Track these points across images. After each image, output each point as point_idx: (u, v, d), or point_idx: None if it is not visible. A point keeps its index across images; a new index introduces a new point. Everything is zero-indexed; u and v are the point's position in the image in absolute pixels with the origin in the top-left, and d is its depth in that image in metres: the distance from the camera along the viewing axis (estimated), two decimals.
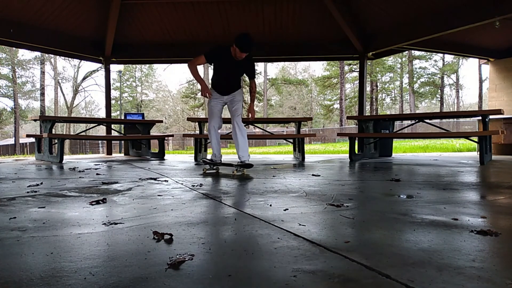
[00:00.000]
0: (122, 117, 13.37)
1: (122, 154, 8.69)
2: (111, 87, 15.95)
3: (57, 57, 30.11)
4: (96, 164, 5.42)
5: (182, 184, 3.18)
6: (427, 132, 8.67)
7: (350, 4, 7.48)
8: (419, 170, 4.36)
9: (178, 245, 1.41)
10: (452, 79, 37.83)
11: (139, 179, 3.54)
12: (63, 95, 36.59)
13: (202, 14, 7.93)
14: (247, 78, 4.38)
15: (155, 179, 3.53)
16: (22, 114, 31.64)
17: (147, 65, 40.03)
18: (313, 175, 3.81)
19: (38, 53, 29.19)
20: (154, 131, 19.78)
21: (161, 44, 8.56)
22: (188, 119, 6.98)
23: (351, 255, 1.27)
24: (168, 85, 68.76)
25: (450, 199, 2.35)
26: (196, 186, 3.04)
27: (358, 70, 9.81)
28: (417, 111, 37.17)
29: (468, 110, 33.60)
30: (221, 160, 4.29)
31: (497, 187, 2.98)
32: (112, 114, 22.70)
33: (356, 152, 6.19)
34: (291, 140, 7.20)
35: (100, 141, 25.01)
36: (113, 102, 32.30)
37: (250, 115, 4.28)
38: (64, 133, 33.25)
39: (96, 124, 7.67)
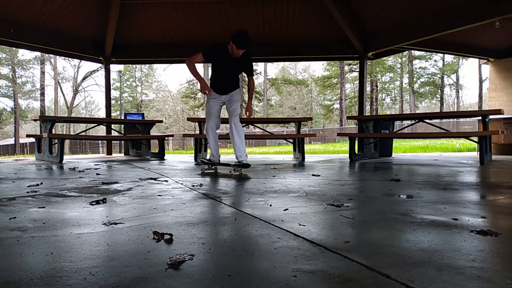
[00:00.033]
0: (122, 117, 13.38)
1: (122, 154, 8.69)
2: (111, 87, 15.95)
3: (57, 57, 30.13)
4: (96, 164, 5.42)
5: (182, 184, 3.18)
6: (427, 132, 8.67)
7: (350, 4, 7.48)
8: (419, 170, 4.36)
9: (178, 245, 1.41)
10: (452, 79, 37.87)
11: (139, 179, 3.54)
12: (63, 95, 36.65)
13: (202, 14, 7.94)
14: (246, 78, 4.38)
15: (155, 179, 3.53)
16: (22, 114, 31.65)
17: (147, 65, 40.05)
18: (313, 175, 3.82)
19: (38, 53, 29.22)
20: (154, 131, 19.79)
21: (161, 44, 8.57)
22: (188, 119, 6.98)
23: (351, 255, 1.27)
24: (168, 85, 68.90)
25: (450, 199, 2.35)
26: (196, 186, 3.05)
27: (358, 70, 9.81)
28: (417, 111, 37.18)
29: (468, 110, 33.59)
30: (219, 160, 4.30)
31: (497, 187, 2.98)
32: (112, 114, 22.71)
33: (356, 152, 6.19)
34: (291, 140, 7.20)
35: (100, 141, 25.02)
36: (113, 102, 32.32)
37: (248, 113, 4.29)
38: (64, 133, 33.27)
39: (96, 124, 7.68)
